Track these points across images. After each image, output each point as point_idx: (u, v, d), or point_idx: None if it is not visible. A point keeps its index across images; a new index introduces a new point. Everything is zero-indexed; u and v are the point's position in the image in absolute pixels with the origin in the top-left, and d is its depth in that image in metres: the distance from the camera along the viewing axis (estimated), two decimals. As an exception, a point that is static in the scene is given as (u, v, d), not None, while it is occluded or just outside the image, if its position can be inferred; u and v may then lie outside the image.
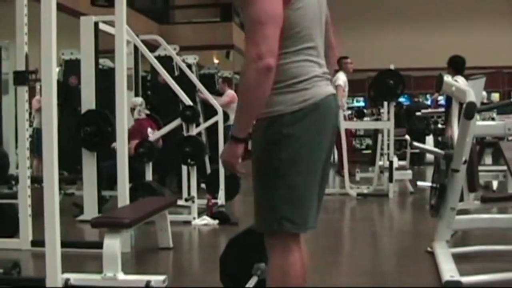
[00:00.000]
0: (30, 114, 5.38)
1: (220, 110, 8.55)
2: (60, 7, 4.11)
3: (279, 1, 2.41)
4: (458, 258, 4.60)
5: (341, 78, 10.32)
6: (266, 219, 2.56)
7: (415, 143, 6.72)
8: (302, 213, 2.54)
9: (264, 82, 2.38)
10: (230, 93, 10.69)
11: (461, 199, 5.29)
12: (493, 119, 9.19)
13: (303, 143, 2.50)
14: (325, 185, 2.76)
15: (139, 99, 8.29)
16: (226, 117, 9.16)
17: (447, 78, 4.99)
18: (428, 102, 18.98)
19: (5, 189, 7.38)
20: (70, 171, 8.28)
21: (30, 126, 6.25)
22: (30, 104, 5.45)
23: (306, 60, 2.56)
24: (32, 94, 5.69)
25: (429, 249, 5.08)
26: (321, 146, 2.58)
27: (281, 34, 2.42)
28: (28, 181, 5.34)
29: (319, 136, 2.56)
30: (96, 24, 6.98)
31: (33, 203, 5.39)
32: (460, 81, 5.08)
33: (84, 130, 6.90)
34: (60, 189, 4.69)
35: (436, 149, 5.58)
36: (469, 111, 4.46)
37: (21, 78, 5.27)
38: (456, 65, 7.88)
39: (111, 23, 6.42)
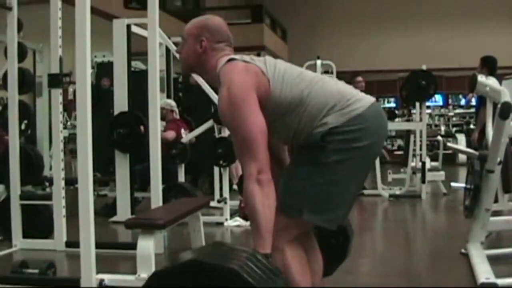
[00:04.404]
0: (63, 116, 5.43)
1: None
2: (93, 10, 4.13)
3: (259, 113, 2.61)
4: (493, 260, 4.55)
5: None
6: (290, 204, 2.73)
7: (449, 144, 6.67)
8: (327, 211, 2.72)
9: (271, 192, 2.56)
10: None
11: (496, 200, 5.23)
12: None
13: None
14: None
15: (172, 101, 8.34)
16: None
17: (481, 78, 4.93)
18: (462, 103, 18.83)
19: (40, 190, 7.46)
20: (103, 173, 8.34)
21: (64, 128, 6.30)
22: (64, 106, 5.50)
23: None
24: (65, 96, 5.75)
25: (463, 250, 5.03)
26: None
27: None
28: (63, 183, 5.40)
29: None
30: (128, 26, 7.03)
31: (67, 204, 5.44)
32: (492, 82, 5.03)
33: (117, 132, 6.95)
34: (93, 190, 4.73)
35: (470, 150, 5.52)
36: (504, 111, 4.41)
37: (56, 80, 5.33)
38: (490, 65, 7.78)
39: (143, 26, 6.46)
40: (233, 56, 2.80)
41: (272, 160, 2.65)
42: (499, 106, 4.50)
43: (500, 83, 4.89)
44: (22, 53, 5.82)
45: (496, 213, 5.34)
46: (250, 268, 2.00)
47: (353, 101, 2.68)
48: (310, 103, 2.67)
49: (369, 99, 2.75)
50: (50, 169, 7.68)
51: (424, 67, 9.39)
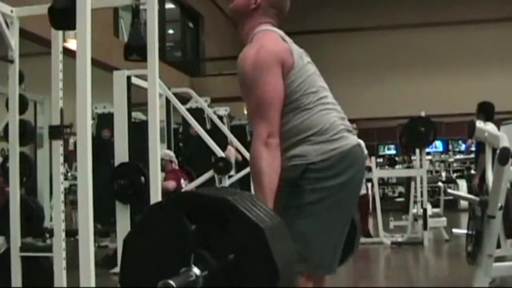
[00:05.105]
0: (64, 167, 5.44)
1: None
2: (94, 62, 4.17)
3: (281, 81, 2.65)
4: (497, 306, 4.52)
5: None
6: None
7: (449, 190, 6.66)
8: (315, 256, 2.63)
9: (277, 157, 2.58)
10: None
11: (498, 246, 5.20)
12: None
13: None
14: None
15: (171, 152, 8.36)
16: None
17: (480, 124, 4.96)
18: (462, 148, 18.88)
19: (40, 242, 7.42)
20: (104, 224, 8.30)
21: (65, 179, 6.30)
22: (64, 157, 5.52)
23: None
24: (65, 147, 5.76)
25: (467, 297, 5.00)
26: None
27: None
28: (63, 234, 5.37)
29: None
30: (128, 78, 7.08)
31: (67, 256, 5.41)
32: (490, 127, 5.06)
33: (118, 183, 6.93)
34: (94, 241, 4.71)
35: (471, 196, 5.52)
36: (503, 157, 4.43)
37: (56, 132, 5.34)
38: (487, 111, 7.81)
39: (143, 77, 6.50)
40: (275, 29, 2.84)
41: None
42: (498, 151, 4.51)
43: (498, 128, 4.91)
44: (23, 105, 5.86)
45: (499, 259, 5.31)
46: (246, 204, 1.96)
47: (337, 138, 2.72)
48: (301, 118, 2.70)
49: (353, 140, 2.78)
50: (51, 220, 7.66)
51: (422, 114, 9.44)
